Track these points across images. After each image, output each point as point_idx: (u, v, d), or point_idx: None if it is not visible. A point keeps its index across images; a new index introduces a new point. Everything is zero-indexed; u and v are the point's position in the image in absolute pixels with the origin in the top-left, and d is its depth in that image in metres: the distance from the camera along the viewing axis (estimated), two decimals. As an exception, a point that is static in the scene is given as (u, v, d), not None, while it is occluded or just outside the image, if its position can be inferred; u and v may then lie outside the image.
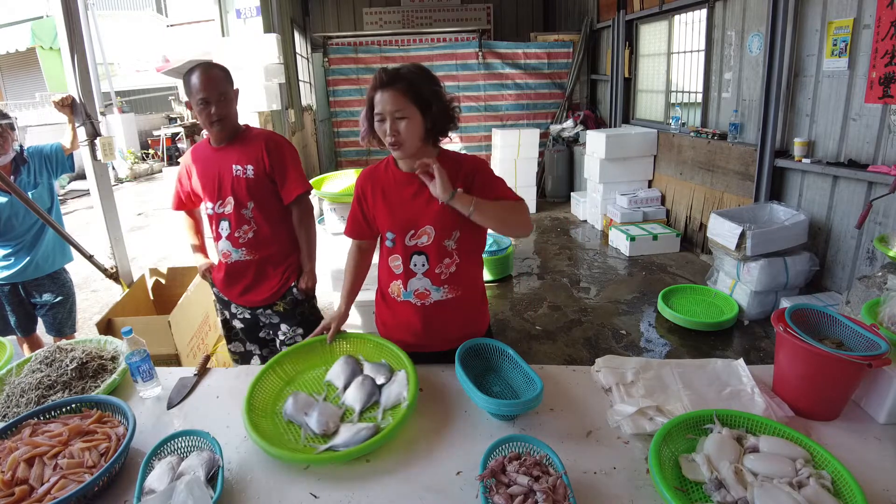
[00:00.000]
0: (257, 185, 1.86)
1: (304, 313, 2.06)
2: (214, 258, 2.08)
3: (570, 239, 5.55)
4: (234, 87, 1.86)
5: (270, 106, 5.00)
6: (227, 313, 2.11)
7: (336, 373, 1.39)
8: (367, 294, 1.84)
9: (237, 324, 2.10)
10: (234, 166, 1.85)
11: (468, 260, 1.52)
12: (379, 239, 1.60)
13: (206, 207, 1.96)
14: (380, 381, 1.34)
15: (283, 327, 2.05)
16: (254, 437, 1.15)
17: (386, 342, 1.49)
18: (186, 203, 2.06)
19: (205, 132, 1.94)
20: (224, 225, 1.91)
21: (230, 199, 1.87)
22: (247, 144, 1.88)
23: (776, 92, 3.69)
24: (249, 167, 1.85)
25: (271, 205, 1.92)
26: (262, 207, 1.90)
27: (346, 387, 1.34)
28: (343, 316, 1.60)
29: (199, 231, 2.18)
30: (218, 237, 1.94)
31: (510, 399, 1.30)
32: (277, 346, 2.13)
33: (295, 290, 2.01)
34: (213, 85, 1.76)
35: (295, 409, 1.26)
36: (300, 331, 2.04)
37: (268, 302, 2.00)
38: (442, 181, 1.31)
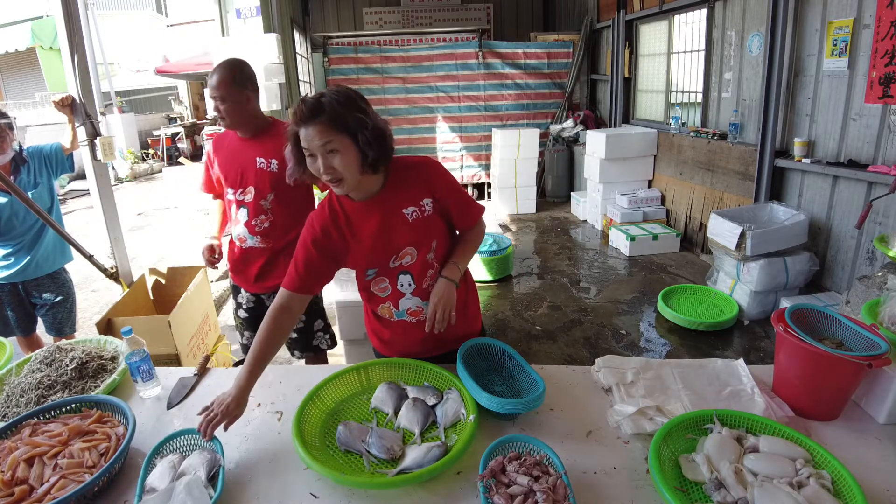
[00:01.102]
0: (280, 178, 1.93)
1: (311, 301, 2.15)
2: (225, 243, 2.17)
3: (570, 239, 5.55)
4: (253, 87, 1.92)
5: (270, 106, 5.00)
6: (234, 303, 2.22)
7: (381, 399, 1.34)
8: (357, 294, 1.82)
9: (241, 314, 2.20)
10: (257, 159, 1.94)
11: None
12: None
13: (227, 193, 2.05)
14: (430, 402, 1.31)
15: None
16: (326, 472, 1.07)
17: (426, 364, 1.44)
18: (216, 186, 2.14)
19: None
20: (242, 212, 1.99)
21: (251, 189, 1.96)
22: (272, 139, 1.94)
23: (776, 92, 3.69)
24: (274, 161, 1.93)
25: (290, 198, 2.00)
26: (281, 200, 1.98)
27: (395, 411, 1.31)
28: (240, 399, 1.21)
29: (225, 218, 2.23)
30: (236, 222, 2.04)
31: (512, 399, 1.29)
32: None
33: None
34: (219, 87, 1.84)
35: (350, 437, 1.20)
36: (303, 317, 2.14)
37: (272, 289, 2.09)
38: (443, 308, 1.35)
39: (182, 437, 1.21)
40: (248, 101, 1.91)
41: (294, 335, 2.16)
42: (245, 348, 2.26)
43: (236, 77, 1.87)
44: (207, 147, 2.11)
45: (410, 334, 1.50)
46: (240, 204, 2.00)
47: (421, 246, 1.39)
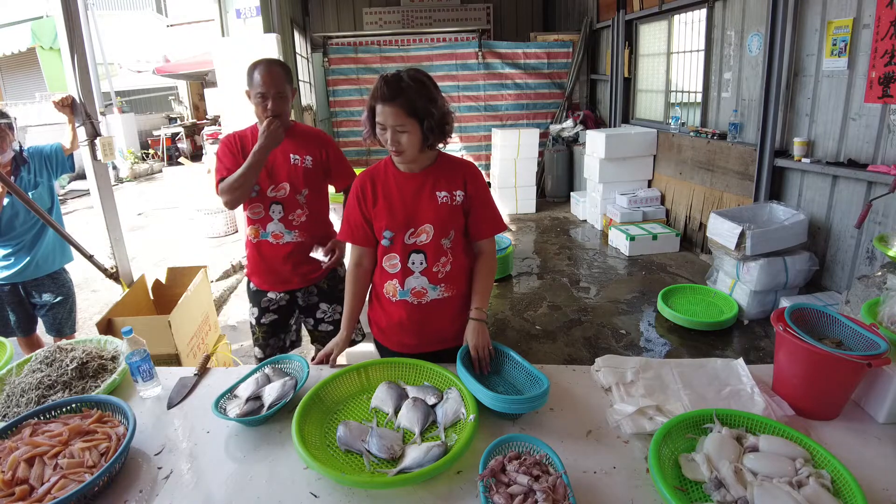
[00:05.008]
0: (314, 173, 2.03)
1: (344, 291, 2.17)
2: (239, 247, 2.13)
3: (569, 239, 5.55)
4: (293, 87, 1.99)
5: (270, 106, 4.99)
6: (257, 310, 2.15)
7: (381, 398, 1.34)
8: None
9: (267, 318, 2.15)
10: (291, 155, 1.99)
11: (462, 259, 1.56)
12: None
13: (252, 191, 1.98)
14: (430, 401, 1.31)
15: (323, 306, 2.18)
16: (326, 472, 1.07)
17: (426, 364, 1.44)
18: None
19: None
20: (277, 208, 2.01)
21: (285, 185, 1.99)
22: (300, 137, 2.02)
23: (776, 92, 3.69)
24: (308, 157, 2.01)
25: (321, 191, 2.10)
26: (314, 193, 2.06)
27: (396, 410, 1.31)
28: (344, 342, 1.59)
29: None
30: (268, 220, 2.02)
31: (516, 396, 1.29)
32: (311, 326, 2.23)
33: (340, 269, 2.18)
34: (273, 82, 1.87)
35: (350, 437, 1.20)
36: (340, 309, 2.18)
37: (313, 281, 2.13)
38: (483, 348, 1.45)
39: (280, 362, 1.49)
40: (292, 98, 1.98)
41: (330, 327, 2.17)
42: (260, 360, 2.17)
43: (288, 73, 1.94)
44: (225, 144, 2.03)
45: (409, 320, 1.54)
46: (272, 200, 1.99)
47: (439, 228, 1.48)
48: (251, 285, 2.16)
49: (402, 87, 1.36)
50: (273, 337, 2.19)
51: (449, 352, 1.50)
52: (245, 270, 4.48)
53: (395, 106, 1.35)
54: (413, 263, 1.50)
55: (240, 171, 1.86)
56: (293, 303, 2.17)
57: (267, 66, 1.88)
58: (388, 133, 1.39)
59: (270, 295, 2.13)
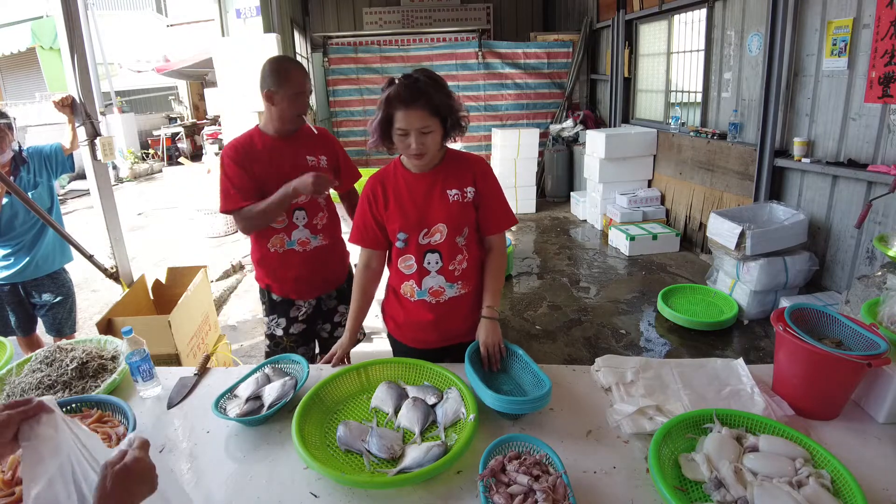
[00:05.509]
0: (329, 174, 1.96)
1: None
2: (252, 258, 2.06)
3: (569, 238, 5.55)
4: None
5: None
6: (284, 321, 2.07)
7: (381, 398, 1.34)
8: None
9: (295, 328, 2.08)
10: (307, 157, 1.92)
11: (476, 253, 1.57)
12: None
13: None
14: (430, 401, 1.31)
15: (341, 308, 2.15)
16: (326, 472, 1.07)
17: (425, 363, 1.44)
18: (247, 197, 1.85)
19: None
20: (299, 214, 1.95)
21: None
22: (311, 138, 1.96)
23: (776, 92, 3.69)
24: (323, 157, 1.96)
25: (331, 191, 2.08)
26: (328, 195, 2.05)
27: (395, 411, 1.31)
28: (349, 343, 1.60)
29: None
30: (293, 227, 1.94)
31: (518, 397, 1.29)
32: (326, 334, 2.17)
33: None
34: (306, 80, 1.86)
35: (350, 437, 1.20)
36: (343, 309, 2.16)
37: (337, 284, 2.11)
38: (494, 345, 1.47)
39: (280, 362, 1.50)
40: None
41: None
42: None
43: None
44: (229, 157, 1.87)
45: (428, 319, 1.55)
46: (294, 206, 1.92)
47: (452, 226, 1.48)
48: (273, 296, 2.04)
49: (422, 89, 1.34)
50: (303, 346, 2.13)
51: (462, 346, 1.50)
52: (244, 271, 4.50)
53: (418, 108, 1.34)
54: (429, 263, 1.51)
55: (265, 204, 1.79)
56: (319, 309, 2.12)
57: (296, 63, 1.86)
58: (412, 136, 1.37)
59: (299, 303, 2.05)
